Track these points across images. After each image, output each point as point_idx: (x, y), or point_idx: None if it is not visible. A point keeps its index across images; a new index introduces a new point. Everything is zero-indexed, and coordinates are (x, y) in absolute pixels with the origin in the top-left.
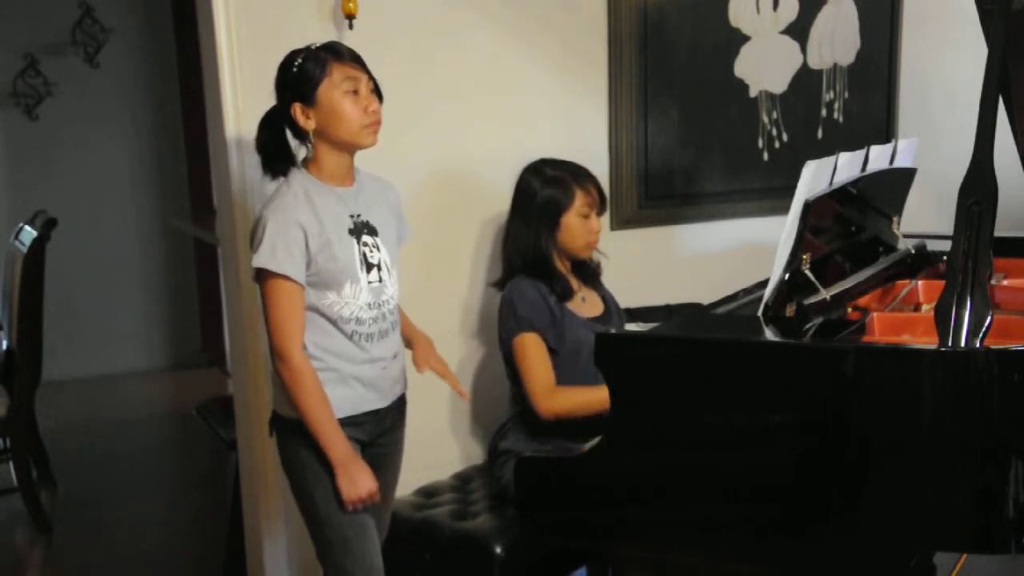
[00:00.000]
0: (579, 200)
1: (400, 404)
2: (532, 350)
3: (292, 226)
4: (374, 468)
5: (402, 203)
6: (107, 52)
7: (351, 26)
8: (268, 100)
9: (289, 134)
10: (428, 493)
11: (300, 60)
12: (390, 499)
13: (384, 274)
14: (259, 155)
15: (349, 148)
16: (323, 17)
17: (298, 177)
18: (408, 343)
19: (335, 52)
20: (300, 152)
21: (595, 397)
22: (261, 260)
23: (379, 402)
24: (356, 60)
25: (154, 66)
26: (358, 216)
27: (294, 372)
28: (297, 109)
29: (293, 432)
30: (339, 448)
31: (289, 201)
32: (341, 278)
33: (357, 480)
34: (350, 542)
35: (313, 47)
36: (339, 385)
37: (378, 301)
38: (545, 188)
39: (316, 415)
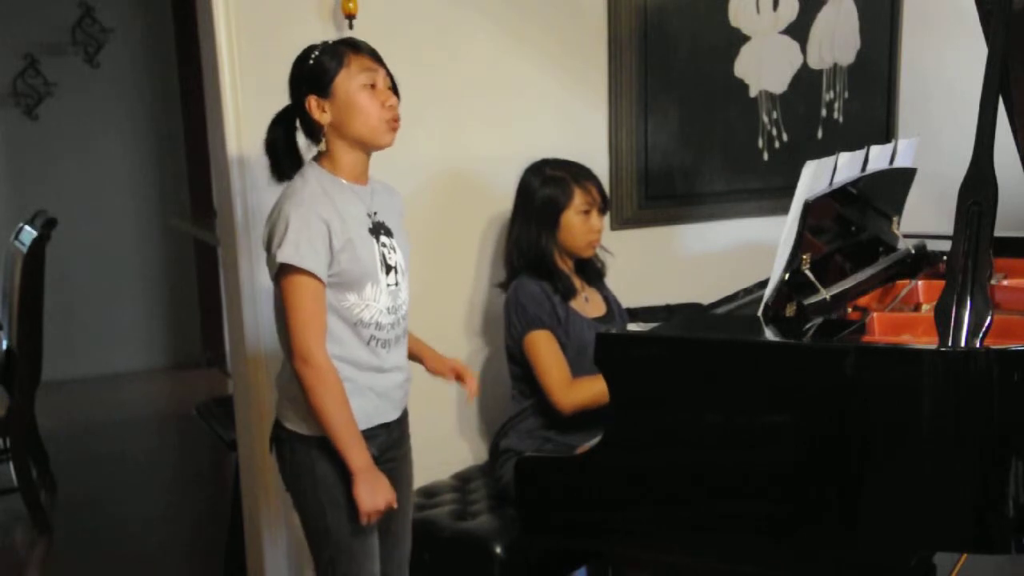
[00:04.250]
0: (578, 198)
1: (406, 415)
2: (545, 347)
3: (315, 221)
4: None
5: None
6: (107, 52)
7: (351, 26)
8: (268, 100)
9: (300, 135)
10: (428, 493)
11: (317, 53)
12: (408, 516)
13: (400, 277)
14: (267, 156)
15: (365, 146)
16: (323, 17)
17: (313, 172)
18: (418, 356)
19: (352, 45)
20: (308, 154)
21: None
22: (286, 256)
23: (391, 414)
24: (374, 54)
25: (154, 66)
26: (375, 215)
27: (319, 373)
28: (312, 102)
29: (305, 447)
30: (361, 456)
31: (308, 195)
32: (363, 279)
33: (376, 490)
34: (355, 561)
35: (330, 41)
36: (354, 396)
37: (395, 305)
38: (544, 187)
39: (337, 420)
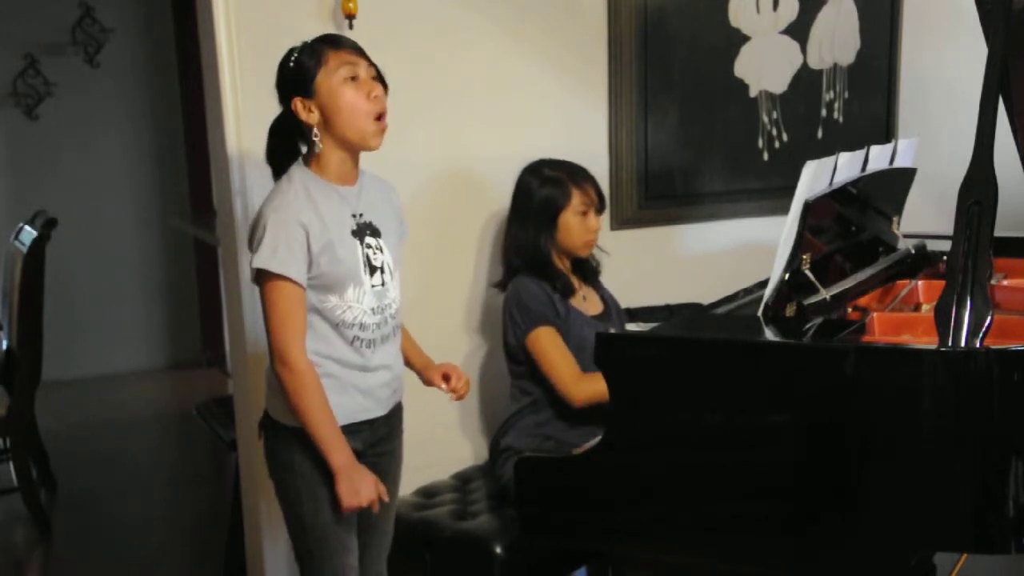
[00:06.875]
0: (576, 199)
1: (397, 412)
2: (551, 342)
3: (293, 225)
4: None
5: (401, 205)
6: (107, 52)
7: (351, 26)
8: (268, 100)
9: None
10: (428, 493)
11: (296, 55)
12: (391, 509)
13: (387, 277)
14: (270, 165)
15: (352, 146)
16: (323, 17)
17: (299, 174)
18: (413, 367)
19: (330, 41)
20: None
21: None
22: (261, 261)
23: (376, 411)
24: (354, 48)
25: (154, 66)
26: (360, 216)
27: (296, 375)
28: (298, 104)
29: (287, 438)
30: (342, 455)
31: (290, 198)
32: (344, 281)
33: (359, 487)
34: (333, 552)
35: (309, 40)
36: (337, 393)
37: (381, 305)
38: (542, 188)
39: (318, 420)
